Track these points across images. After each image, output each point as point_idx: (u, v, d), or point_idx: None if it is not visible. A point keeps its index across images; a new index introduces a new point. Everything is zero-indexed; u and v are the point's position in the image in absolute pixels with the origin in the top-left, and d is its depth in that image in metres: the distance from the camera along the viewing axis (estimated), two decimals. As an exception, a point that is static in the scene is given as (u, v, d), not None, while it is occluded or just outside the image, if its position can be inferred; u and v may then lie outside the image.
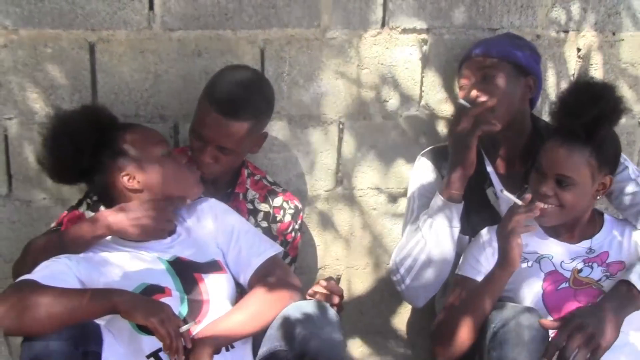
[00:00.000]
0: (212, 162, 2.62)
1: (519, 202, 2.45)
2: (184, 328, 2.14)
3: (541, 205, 2.47)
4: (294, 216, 2.86)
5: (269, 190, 2.84)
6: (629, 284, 2.47)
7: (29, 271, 2.26)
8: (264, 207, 2.82)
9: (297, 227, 2.87)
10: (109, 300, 2.12)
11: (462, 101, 2.72)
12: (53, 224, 2.67)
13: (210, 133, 2.58)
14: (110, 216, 2.41)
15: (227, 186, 2.79)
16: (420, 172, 2.96)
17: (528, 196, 2.47)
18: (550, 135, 2.62)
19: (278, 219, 2.83)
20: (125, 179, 2.46)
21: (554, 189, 2.52)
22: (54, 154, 2.47)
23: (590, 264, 2.60)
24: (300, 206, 2.90)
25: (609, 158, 2.58)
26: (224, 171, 2.72)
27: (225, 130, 2.57)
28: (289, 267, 2.84)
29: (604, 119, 2.52)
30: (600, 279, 2.57)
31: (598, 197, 2.63)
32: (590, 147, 2.51)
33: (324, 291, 2.42)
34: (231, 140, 2.60)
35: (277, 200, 2.84)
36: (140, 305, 2.12)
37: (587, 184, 2.54)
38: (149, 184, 2.47)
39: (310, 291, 2.43)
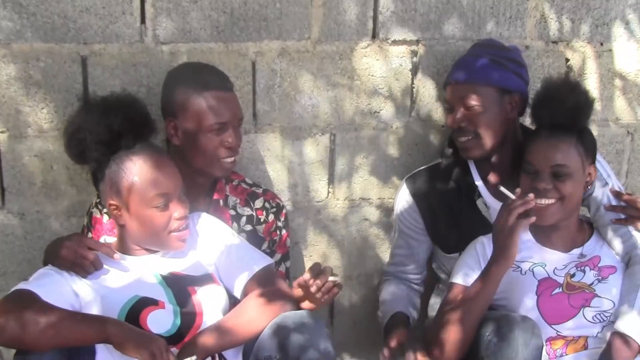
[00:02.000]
0: (238, 141, 2.68)
1: (513, 197, 2.48)
2: None
3: (533, 197, 2.48)
4: (277, 214, 2.86)
5: (249, 194, 2.84)
6: (622, 335, 2.49)
7: None
8: (246, 211, 2.82)
9: (281, 224, 2.87)
10: (103, 331, 2.14)
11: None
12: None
13: (229, 110, 2.64)
14: None
15: (205, 195, 2.79)
16: (400, 200, 3.02)
17: (518, 190, 2.50)
18: (532, 136, 2.67)
19: (262, 220, 2.83)
20: (111, 207, 2.44)
21: (551, 182, 2.56)
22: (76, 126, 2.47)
23: (582, 268, 2.62)
24: (282, 204, 2.90)
25: (591, 146, 2.66)
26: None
27: (234, 101, 2.68)
28: (282, 272, 2.87)
29: (582, 106, 2.63)
30: (592, 283, 2.58)
31: (588, 188, 2.68)
32: (575, 135, 2.59)
33: (313, 288, 2.36)
34: (240, 110, 2.71)
35: (258, 202, 2.84)
36: (132, 338, 2.15)
37: (580, 173, 2.60)
38: (129, 228, 2.45)
39: (300, 280, 2.40)
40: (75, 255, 2.35)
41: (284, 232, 2.90)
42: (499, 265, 2.48)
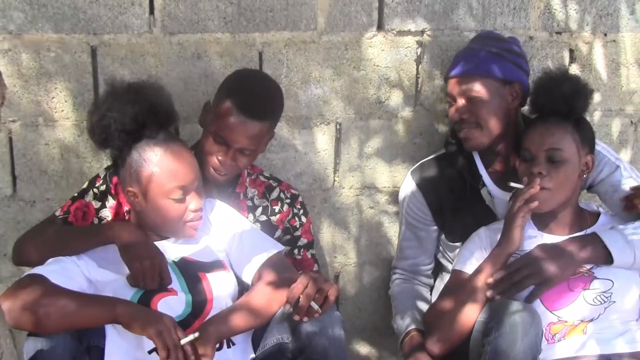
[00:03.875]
0: (233, 164, 2.66)
1: (522, 186, 2.56)
2: (185, 340, 2.17)
3: (539, 180, 2.56)
4: (292, 203, 2.89)
5: (267, 186, 2.88)
6: (598, 238, 2.58)
7: (35, 259, 2.35)
8: (262, 202, 2.86)
9: (297, 211, 2.91)
10: (113, 311, 2.17)
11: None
12: (58, 213, 2.69)
13: (235, 136, 2.60)
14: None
15: (228, 186, 2.82)
16: (406, 192, 3.05)
17: (526, 179, 2.58)
18: (530, 123, 2.73)
19: (277, 210, 2.87)
20: (129, 193, 2.47)
21: (546, 167, 2.59)
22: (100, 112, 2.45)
23: None
24: (297, 193, 2.93)
25: (588, 135, 2.69)
26: (240, 171, 2.77)
27: (250, 132, 2.61)
28: (305, 253, 2.90)
29: (578, 95, 2.67)
30: (591, 267, 2.60)
31: (585, 176, 2.70)
32: (571, 122, 2.63)
33: (303, 301, 2.29)
34: (254, 142, 2.65)
35: (274, 194, 2.88)
36: (139, 317, 2.17)
37: (575, 160, 2.63)
38: (144, 215, 2.49)
39: (289, 298, 2.31)
40: (150, 274, 2.38)
41: (304, 218, 2.93)
42: (501, 249, 2.56)
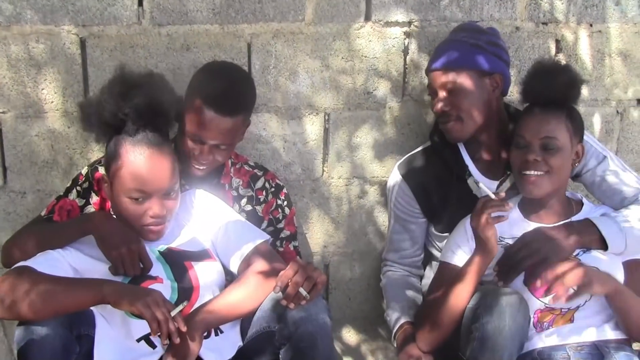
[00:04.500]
0: (210, 159, 2.68)
1: (493, 196, 2.52)
2: (174, 311, 2.17)
3: (511, 205, 2.54)
4: (276, 193, 2.91)
5: (251, 175, 2.90)
6: (592, 223, 2.63)
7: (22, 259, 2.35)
8: (247, 192, 2.88)
9: (281, 203, 2.92)
10: (100, 291, 2.17)
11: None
12: (43, 213, 2.72)
13: (209, 133, 2.62)
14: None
15: (213, 177, 2.84)
16: (394, 185, 3.07)
17: (502, 194, 2.54)
18: (524, 111, 2.74)
19: (262, 200, 2.88)
20: (102, 178, 2.50)
21: (541, 154, 2.62)
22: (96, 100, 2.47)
23: None
24: (281, 184, 2.95)
25: (579, 125, 2.72)
26: (220, 164, 2.77)
27: (223, 127, 2.62)
28: (288, 246, 2.91)
29: (573, 84, 2.71)
30: (577, 254, 2.63)
31: (576, 165, 2.74)
32: (565, 112, 2.66)
33: (291, 288, 2.29)
34: (228, 137, 2.66)
35: (259, 183, 2.90)
36: (127, 293, 2.17)
37: (568, 148, 2.66)
38: (110, 203, 2.54)
39: (279, 282, 2.30)
40: (129, 261, 2.40)
41: (287, 210, 2.94)
42: (483, 258, 2.55)
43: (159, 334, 2.14)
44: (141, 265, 2.41)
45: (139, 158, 2.39)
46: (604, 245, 2.62)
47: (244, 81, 2.76)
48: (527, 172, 2.63)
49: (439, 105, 2.84)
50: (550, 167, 2.62)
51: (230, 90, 2.66)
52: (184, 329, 2.17)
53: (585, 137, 2.80)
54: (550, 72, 2.72)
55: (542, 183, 2.63)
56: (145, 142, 2.40)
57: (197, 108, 2.60)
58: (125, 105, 2.38)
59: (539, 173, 2.62)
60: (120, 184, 2.41)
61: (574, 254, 2.63)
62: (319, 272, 2.33)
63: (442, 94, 2.85)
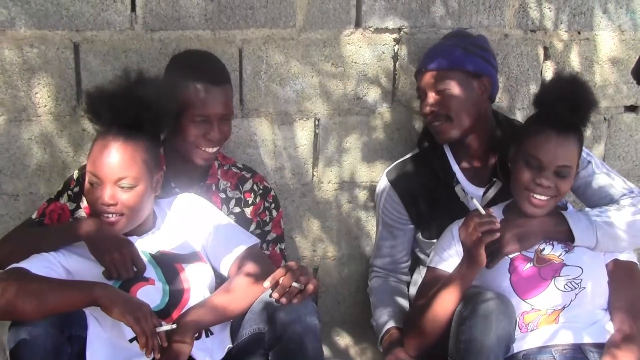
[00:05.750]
0: (221, 135, 2.74)
1: (483, 211, 2.51)
2: (161, 329, 2.23)
3: (498, 222, 2.50)
4: (264, 196, 2.92)
5: (239, 178, 2.91)
6: (563, 216, 2.68)
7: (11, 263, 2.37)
8: (235, 194, 2.90)
9: (269, 205, 2.94)
10: (91, 294, 2.20)
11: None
12: (34, 215, 2.73)
13: (212, 106, 2.70)
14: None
15: (199, 179, 2.86)
16: (382, 193, 3.10)
17: (490, 210, 2.55)
18: (535, 128, 2.67)
19: (250, 202, 2.90)
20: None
21: (554, 181, 2.62)
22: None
23: (551, 242, 2.69)
24: (269, 186, 2.97)
25: (582, 143, 2.73)
26: (226, 139, 2.81)
27: (221, 97, 2.71)
28: (274, 248, 2.92)
29: (592, 107, 2.71)
30: (560, 254, 2.66)
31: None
32: (578, 135, 2.67)
33: (285, 281, 2.33)
34: (228, 105, 2.76)
35: (247, 185, 2.91)
36: (119, 302, 2.20)
37: (575, 169, 2.69)
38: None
39: (270, 279, 2.34)
40: (122, 264, 2.41)
41: (274, 212, 2.95)
42: (471, 269, 2.54)
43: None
44: (134, 269, 2.43)
45: (99, 145, 2.45)
46: (572, 238, 2.65)
47: (212, 55, 2.86)
48: (536, 196, 2.63)
49: (428, 106, 2.88)
50: (559, 192, 2.64)
51: (209, 63, 2.79)
52: (165, 345, 2.23)
53: None
54: (575, 92, 2.68)
55: (548, 205, 2.66)
56: (107, 133, 2.45)
57: (194, 91, 2.68)
58: (96, 101, 2.47)
59: (548, 198, 2.64)
60: (87, 167, 2.48)
61: (558, 254, 2.66)
62: (310, 277, 2.36)
63: (432, 94, 2.88)
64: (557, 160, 2.61)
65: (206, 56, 2.85)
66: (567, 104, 2.64)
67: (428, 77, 2.91)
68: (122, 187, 2.44)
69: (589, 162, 2.86)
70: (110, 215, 2.44)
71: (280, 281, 2.32)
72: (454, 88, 2.85)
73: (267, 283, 2.32)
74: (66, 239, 2.49)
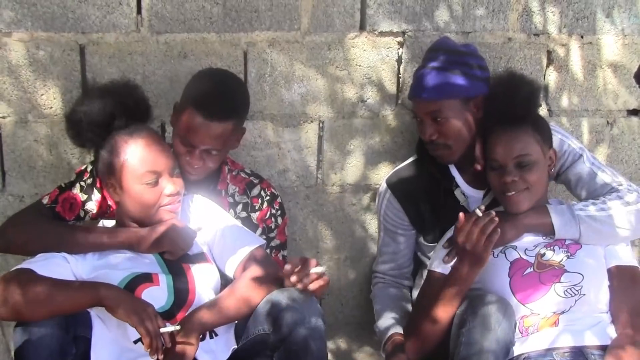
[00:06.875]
0: (201, 164, 2.70)
1: (480, 214, 2.52)
2: (165, 330, 2.24)
3: (495, 214, 2.52)
4: (270, 202, 2.92)
5: (247, 183, 2.91)
6: (546, 209, 2.71)
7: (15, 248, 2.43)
8: (243, 199, 2.90)
9: (275, 212, 2.93)
10: (97, 294, 2.23)
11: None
12: (46, 201, 2.69)
13: (198, 138, 2.64)
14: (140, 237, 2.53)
15: (209, 183, 2.86)
16: (383, 199, 3.10)
17: (482, 207, 2.56)
18: (488, 133, 2.76)
19: (257, 207, 2.90)
20: (108, 185, 2.54)
21: (517, 174, 2.66)
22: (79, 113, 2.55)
23: (552, 247, 2.70)
24: (276, 193, 2.96)
25: (546, 132, 2.78)
26: (211, 171, 2.79)
27: (213, 133, 2.64)
28: (277, 255, 2.94)
29: (533, 96, 2.79)
30: (561, 260, 2.67)
31: (552, 171, 2.79)
32: (530, 124, 2.71)
33: (293, 278, 2.35)
34: (218, 142, 2.68)
35: (255, 191, 2.91)
36: (124, 303, 2.23)
37: (542, 159, 2.71)
38: (123, 205, 2.55)
39: (291, 264, 2.36)
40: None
41: (280, 219, 2.95)
42: (472, 271, 2.54)
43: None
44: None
45: (139, 143, 2.49)
46: (554, 231, 2.69)
47: (235, 88, 2.78)
48: (508, 194, 2.67)
49: (427, 134, 2.86)
50: (528, 184, 2.67)
51: (219, 95, 2.68)
52: (168, 345, 2.25)
53: (561, 137, 2.87)
54: (509, 89, 2.76)
55: (525, 199, 2.68)
56: (138, 129, 2.52)
57: (188, 113, 2.64)
58: (108, 102, 2.51)
59: (519, 192, 2.67)
60: (131, 175, 2.47)
61: (559, 259, 2.67)
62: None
63: (428, 121, 2.85)
64: (512, 152, 2.67)
65: (224, 85, 2.74)
66: (506, 100, 2.71)
67: (422, 106, 2.87)
68: (176, 173, 2.56)
69: (581, 155, 2.88)
70: (174, 204, 2.53)
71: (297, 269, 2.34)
72: (449, 116, 2.82)
73: (288, 267, 2.33)
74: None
